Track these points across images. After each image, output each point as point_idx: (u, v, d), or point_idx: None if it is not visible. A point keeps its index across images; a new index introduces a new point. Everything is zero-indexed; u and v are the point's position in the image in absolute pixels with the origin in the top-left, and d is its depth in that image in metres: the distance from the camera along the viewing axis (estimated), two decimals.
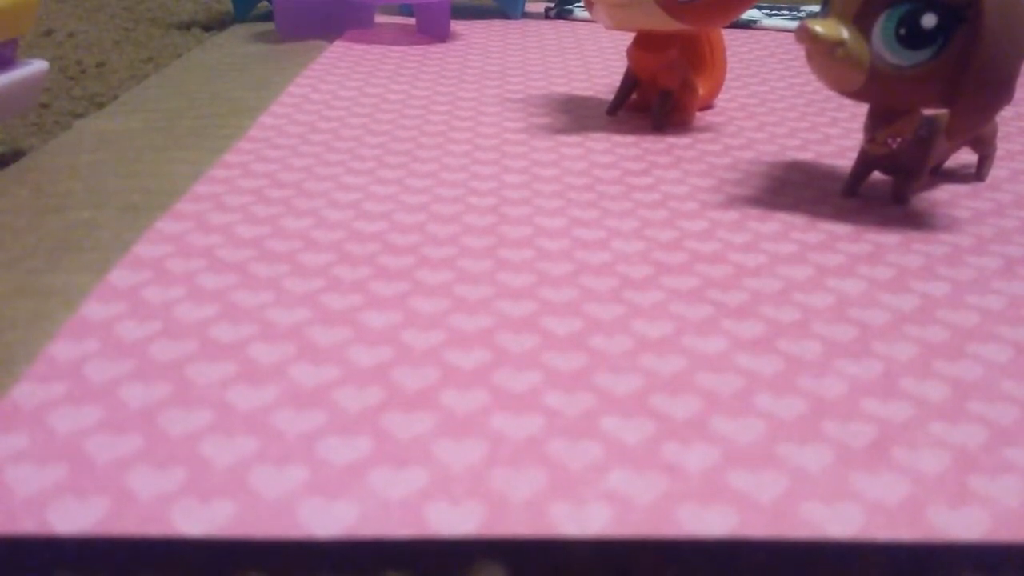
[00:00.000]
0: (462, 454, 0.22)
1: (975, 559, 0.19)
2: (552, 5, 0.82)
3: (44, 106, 0.50)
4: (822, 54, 0.34)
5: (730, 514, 0.20)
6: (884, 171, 0.39)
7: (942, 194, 0.40)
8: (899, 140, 0.37)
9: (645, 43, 0.47)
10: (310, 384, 0.24)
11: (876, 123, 0.37)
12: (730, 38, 0.69)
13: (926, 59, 0.34)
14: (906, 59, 0.34)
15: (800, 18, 0.78)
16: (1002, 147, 0.45)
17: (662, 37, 0.46)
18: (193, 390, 0.24)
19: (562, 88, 0.56)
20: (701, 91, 0.49)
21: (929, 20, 0.33)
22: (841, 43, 0.34)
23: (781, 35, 0.74)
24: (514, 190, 0.39)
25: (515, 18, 0.78)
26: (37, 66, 0.41)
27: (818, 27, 0.34)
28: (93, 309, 0.28)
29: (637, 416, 0.23)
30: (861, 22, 0.34)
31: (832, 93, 0.45)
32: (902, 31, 0.33)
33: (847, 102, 0.53)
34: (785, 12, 0.81)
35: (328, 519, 0.20)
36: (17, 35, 0.39)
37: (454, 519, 0.20)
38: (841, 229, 0.36)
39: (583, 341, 0.27)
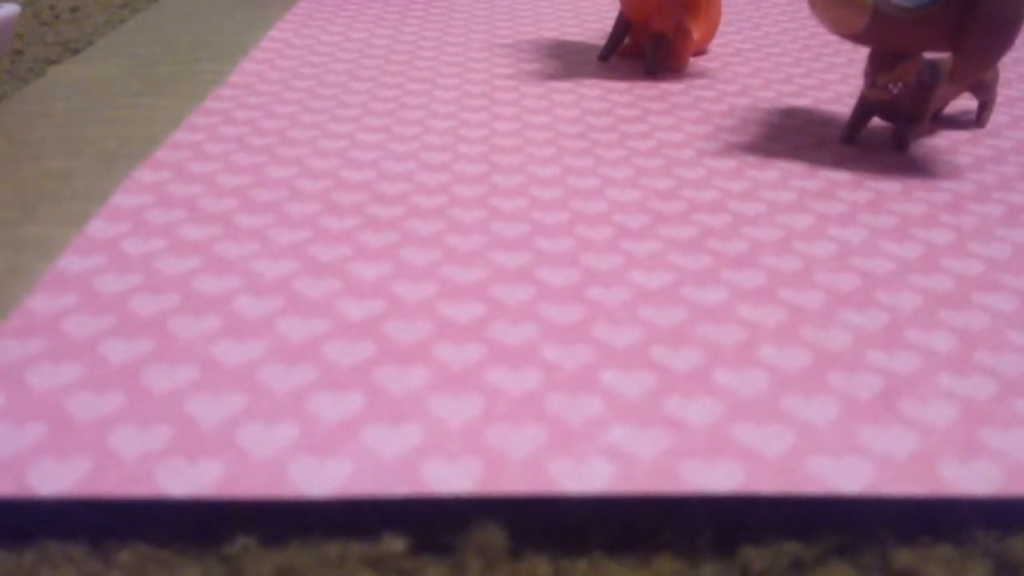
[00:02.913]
0: (458, 410, 0.21)
1: (986, 513, 0.19)
2: None
3: (17, 52, 0.48)
4: None
5: (735, 469, 0.20)
6: (884, 117, 0.38)
7: (942, 141, 0.39)
8: (900, 85, 0.36)
9: None
10: (299, 338, 0.24)
11: (877, 68, 0.36)
12: None
13: (931, 1, 0.32)
14: (911, 0, 0.33)
15: None
16: (1002, 93, 0.44)
17: None
18: (177, 345, 0.23)
19: (552, 33, 0.55)
20: (695, 35, 0.48)
21: None
22: None
23: None
24: (505, 137, 0.38)
25: None
26: (8, 10, 0.39)
27: None
28: (71, 262, 0.27)
29: (637, 369, 0.23)
30: None
31: (831, 38, 0.44)
32: None
33: (844, 47, 0.52)
34: None
35: (320, 478, 0.19)
36: None
37: (451, 476, 0.19)
38: (841, 176, 0.35)
39: (580, 292, 0.26)
